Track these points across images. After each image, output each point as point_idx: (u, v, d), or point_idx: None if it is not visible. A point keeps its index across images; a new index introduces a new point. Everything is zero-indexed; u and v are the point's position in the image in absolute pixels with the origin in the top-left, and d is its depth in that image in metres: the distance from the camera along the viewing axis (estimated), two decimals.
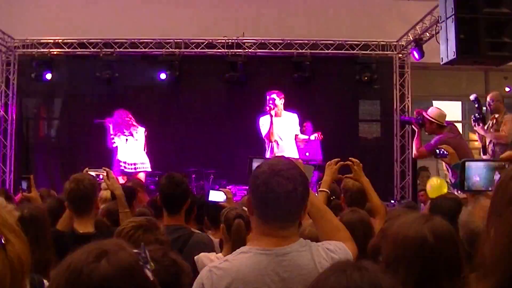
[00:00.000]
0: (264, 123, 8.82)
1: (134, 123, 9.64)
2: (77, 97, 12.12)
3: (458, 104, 14.87)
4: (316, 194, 5.37)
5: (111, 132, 9.58)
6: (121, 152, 9.56)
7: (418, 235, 1.97)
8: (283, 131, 8.84)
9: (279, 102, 8.83)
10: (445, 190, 7.55)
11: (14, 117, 11.85)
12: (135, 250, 1.56)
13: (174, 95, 11.96)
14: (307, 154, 10.46)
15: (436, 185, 7.55)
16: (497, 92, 8.32)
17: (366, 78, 11.70)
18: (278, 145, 8.77)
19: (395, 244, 2.03)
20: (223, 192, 4.91)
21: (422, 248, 1.95)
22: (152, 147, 11.10)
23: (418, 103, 13.38)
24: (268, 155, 8.70)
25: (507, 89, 12.99)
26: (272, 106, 8.69)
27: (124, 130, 9.54)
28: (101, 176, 4.44)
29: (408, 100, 12.08)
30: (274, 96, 8.81)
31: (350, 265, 1.43)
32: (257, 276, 2.16)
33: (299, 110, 11.74)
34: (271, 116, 8.62)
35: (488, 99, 8.21)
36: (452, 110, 14.89)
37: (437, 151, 4.63)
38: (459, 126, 14.51)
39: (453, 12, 7.36)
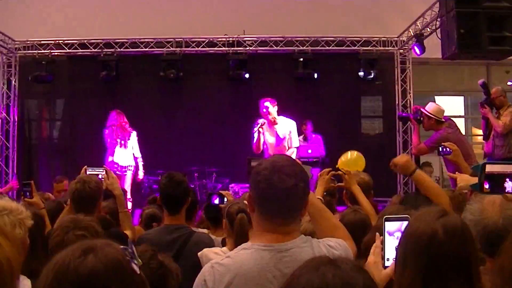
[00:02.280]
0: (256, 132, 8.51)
1: (128, 128, 9.86)
2: (79, 98, 12.13)
3: (461, 99, 14.87)
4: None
5: (106, 132, 9.87)
6: (115, 154, 9.76)
7: (429, 230, 1.93)
8: (278, 140, 8.59)
9: (273, 109, 8.50)
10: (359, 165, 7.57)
11: (16, 119, 11.87)
12: (122, 246, 1.58)
13: (176, 94, 11.95)
14: (310, 151, 10.49)
15: (351, 159, 7.54)
16: (498, 87, 8.31)
17: (367, 74, 11.68)
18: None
19: (405, 237, 2.01)
20: (223, 194, 4.93)
21: (431, 243, 1.91)
22: (154, 146, 11.12)
23: (420, 98, 13.36)
24: None
25: (509, 83, 12.96)
26: (265, 113, 8.43)
27: (119, 134, 9.78)
28: (100, 176, 4.44)
29: (410, 96, 12.05)
30: (267, 104, 8.49)
31: (324, 262, 1.43)
32: (259, 272, 2.17)
33: (300, 107, 11.78)
34: (259, 132, 8.31)
35: (493, 97, 8.24)
36: (454, 105, 14.90)
37: (440, 148, 4.63)
38: (461, 121, 14.60)
39: (453, 7, 7.36)
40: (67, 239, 2.84)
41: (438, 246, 1.91)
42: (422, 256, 1.92)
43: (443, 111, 7.58)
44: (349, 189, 4.43)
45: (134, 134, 9.89)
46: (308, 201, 2.32)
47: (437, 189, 3.72)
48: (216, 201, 4.79)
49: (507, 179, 2.24)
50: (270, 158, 2.34)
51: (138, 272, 1.55)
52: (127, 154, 9.83)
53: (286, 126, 8.63)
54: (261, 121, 8.33)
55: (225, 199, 4.78)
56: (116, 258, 1.51)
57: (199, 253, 3.46)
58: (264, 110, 8.46)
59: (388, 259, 2.22)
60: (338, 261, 1.42)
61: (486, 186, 2.25)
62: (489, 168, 2.24)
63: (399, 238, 2.18)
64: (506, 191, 2.25)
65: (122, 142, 9.75)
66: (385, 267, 2.21)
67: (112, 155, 9.70)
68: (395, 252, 2.20)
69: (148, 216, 5.28)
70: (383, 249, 2.30)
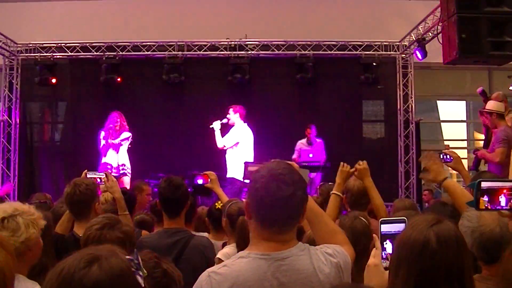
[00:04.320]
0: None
1: (124, 125, 9.97)
2: (81, 101, 12.16)
3: (463, 103, 14.84)
4: (317, 196, 5.39)
5: (101, 135, 9.90)
6: (107, 155, 9.84)
7: (422, 237, 1.93)
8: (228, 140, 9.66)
9: (232, 116, 9.76)
10: None
11: (18, 122, 11.88)
12: (128, 257, 1.57)
13: (177, 97, 11.96)
14: (311, 155, 10.50)
15: None
16: (498, 93, 8.28)
17: (369, 78, 11.68)
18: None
19: (399, 244, 2.00)
20: (207, 174, 4.96)
21: (423, 251, 1.91)
22: (155, 150, 11.13)
23: (421, 103, 13.37)
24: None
25: (511, 88, 12.95)
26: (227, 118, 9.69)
27: (112, 134, 9.83)
28: (98, 180, 4.45)
29: (412, 100, 12.04)
30: (230, 110, 9.75)
31: None
32: (257, 281, 2.16)
33: (302, 111, 11.78)
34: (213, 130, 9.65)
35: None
36: (456, 110, 14.89)
37: (441, 155, 4.62)
38: (463, 125, 14.58)
39: (455, 12, 7.35)
40: (108, 235, 2.85)
41: (430, 254, 1.91)
42: (414, 264, 1.91)
43: (504, 106, 7.55)
44: (362, 180, 4.40)
45: (127, 135, 9.98)
46: (305, 209, 2.32)
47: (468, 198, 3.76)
48: (200, 181, 4.79)
49: (502, 194, 2.24)
50: (268, 165, 2.32)
51: (142, 285, 1.55)
52: (120, 154, 9.88)
53: (238, 132, 9.68)
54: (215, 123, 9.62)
55: (209, 179, 4.80)
56: (121, 269, 1.51)
57: (215, 258, 3.46)
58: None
59: (384, 261, 2.22)
60: None
61: (486, 199, 2.25)
62: (484, 184, 2.25)
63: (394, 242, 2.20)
64: (501, 205, 2.25)
65: (113, 138, 9.83)
66: (386, 269, 2.21)
67: (105, 156, 9.81)
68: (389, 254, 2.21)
69: (136, 224, 5.25)
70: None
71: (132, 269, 1.55)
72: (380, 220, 2.29)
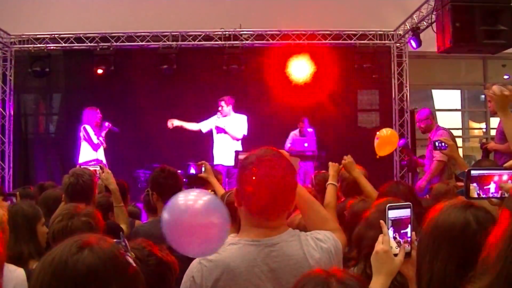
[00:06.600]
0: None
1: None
2: (75, 92, 12.12)
3: (457, 92, 14.87)
4: (311, 186, 5.41)
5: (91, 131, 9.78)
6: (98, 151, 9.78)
7: (461, 220, 1.97)
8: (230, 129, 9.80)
9: (227, 108, 9.86)
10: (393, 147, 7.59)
11: (12, 113, 11.84)
12: (115, 240, 1.60)
13: (172, 87, 11.93)
14: (306, 144, 10.51)
15: (385, 136, 7.47)
16: (424, 110, 8.15)
17: (364, 67, 11.68)
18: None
19: (436, 227, 2.02)
20: (200, 164, 4.98)
21: (464, 232, 1.95)
22: (150, 140, 11.13)
23: (416, 92, 13.38)
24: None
25: (505, 76, 12.97)
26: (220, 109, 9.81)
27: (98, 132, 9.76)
28: (93, 170, 4.46)
29: (407, 89, 12.06)
30: (222, 103, 9.82)
31: (332, 278, 1.48)
32: (247, 267, 2.17)
33: (297, 100, 11.75)
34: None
35: (417, 121, 8.28)
36: (451, 99, 14.90)
37: (437, 143, 4.65)
38: (458, 114, 14.60)
39: (449, 1, 7.37)
40: (72, 224, 2.87)
41: (471, 235, 1.94)
42: (455, 246, 1.95)
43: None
44: (350, 173, 4.44)
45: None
46: (295, 195, 2.32)
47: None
48: (192, 171, 4.80)
49: (492, 181, 2.24)
50: (257, 152, 2.32)
51: (134, 264, 1.57)
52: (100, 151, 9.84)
53: (237, 120, 9.86)
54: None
55: (203, 169, 4.81)
56: (112, 252, 1.52)
57: None
58: (220, 108, 9.82)
59: (391, 247, 2.21)
60: (347, 279, 1.51)
61: (476, 185, 2.25)
62: (474, 172, 2.25)
63: (408, 227, 2.21)
64: (490, 192, 2.26)
65: (100, 139, 9.75)
66: (395, 255, 2.20)
67: (96, 151, 9.72)
68: (397, 240, 2.20)
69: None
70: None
71: (121, 251, 1.56)
72: (388, 206, 2.28)
